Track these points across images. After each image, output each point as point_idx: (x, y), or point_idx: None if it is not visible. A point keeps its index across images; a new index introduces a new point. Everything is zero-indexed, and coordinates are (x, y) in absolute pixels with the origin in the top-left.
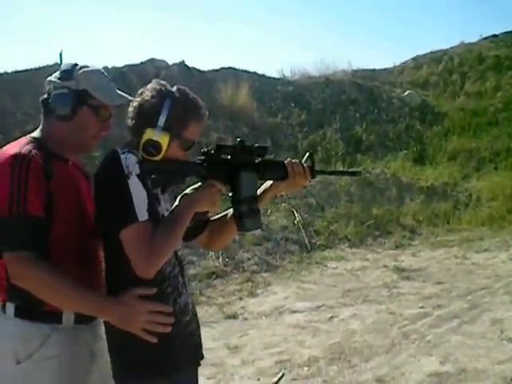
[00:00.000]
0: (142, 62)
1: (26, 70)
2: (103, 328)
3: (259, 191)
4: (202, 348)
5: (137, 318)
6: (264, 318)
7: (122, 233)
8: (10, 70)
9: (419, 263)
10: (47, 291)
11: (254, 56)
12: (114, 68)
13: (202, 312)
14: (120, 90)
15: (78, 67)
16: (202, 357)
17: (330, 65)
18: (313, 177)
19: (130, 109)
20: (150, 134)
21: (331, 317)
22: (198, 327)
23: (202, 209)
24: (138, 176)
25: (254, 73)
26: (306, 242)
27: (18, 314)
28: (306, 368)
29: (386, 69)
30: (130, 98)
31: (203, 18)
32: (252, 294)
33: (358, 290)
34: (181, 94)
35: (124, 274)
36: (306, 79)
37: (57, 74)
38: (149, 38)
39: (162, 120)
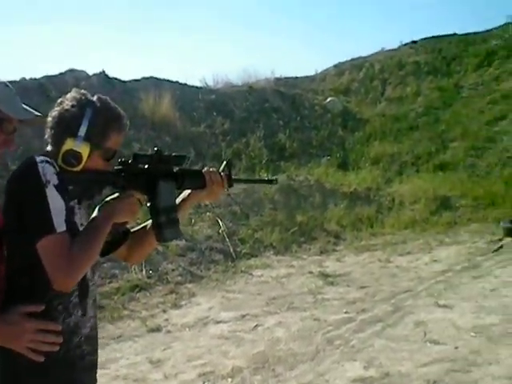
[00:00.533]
0: (61, 73)
1: None
2: None
3: (178, 200)
4: (95, 373)
5: (22, 336)
6: (188, 329)
7: (39, 244)
8: None
9: (344, 268)
10: None
11: (177, 64)
12: (32, 79)
13: (124, 326)
14: (26, 104)
15: None
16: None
17: (253, 73)
18: (230, 185)
19: (49, 119)
20: (70, 144)
21: (256, 325)
22: (95, 352)
23: (121, 219)
24: (56, 186)
25: (176, 82)
26: (231, 250)
27: None
28: (229, 379)
29: (308, 76)
30: (36, 113)
31: (124, 27)
32: (176, 306)
33: (283, 298)
34: (102, 104)
35: (22, 287)
36: (229, 88)
37: None
38: (68, 48)
39: (82, 130)
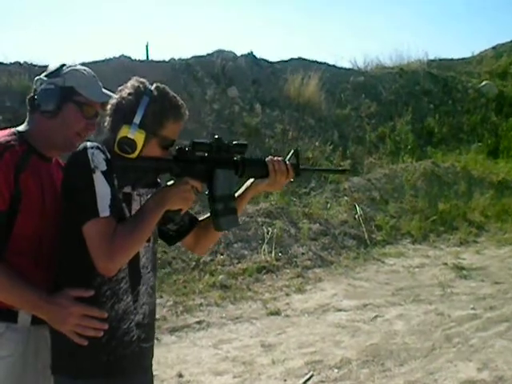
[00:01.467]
0: (208, 54)
1: (94, 62)
2: None
3: (241, 190)
4: (147, 361)
5: (68, 319)
6: (306, 315)
7: (84, 228)
8: (77, 62)
9: (481, 261)
10: None
11: (327, 46)
12: (181, 59)
13: (245, 307)
14: (106, 89)
15: (65, 66)
16: (146, 369)
17: (405, 54)
18: (297, 174)
19: (108, 106)
20: (125, 131)
21: (375, 316)
22: (149, 339)
23: (173, 206)
24: (104, 172)
25: (325, 63)
26: (366, 237)
27: None
28: (336, 370)
29: (463, 58)
30: (113, 95)
31: (274, 8)
32: (300, 290)
33: (411, 289)
34: (159, 93)
35: (74, 269)
36: (379, 69)
37: (45, 72)
38: (217, 30)
39: (137, 118)
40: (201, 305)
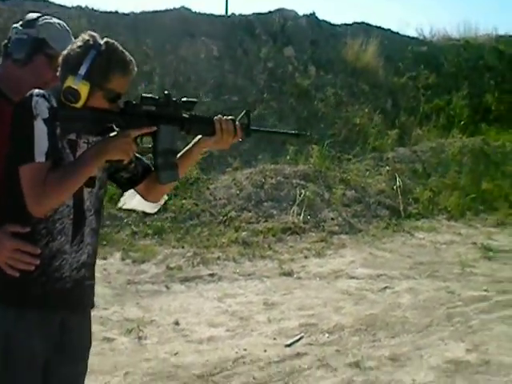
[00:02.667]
0: (269, 11)
1: (154, 12)
2: None
3: (188, 146)
4: (78, 300)
5: (1, 252)
6: (318, 279)
7: (20, 170)
8: (138, 11)
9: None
10: None
11: (392, 11)
12: (241, 15)
13: (260, 265)
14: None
15: (41, 18)
16: (79, 308)
17: (473, 27)
18: (247, 135)
19: (60, 57)
20: (70, 82)
21: (385, 287)
22: (82, 279)
23: (112, 157)
24: (45, 120)
25: (388, 30)
26: (401, 208)
27: None
28: (327, 335)
29: None
30: None
31: None
32: (319, 255)
33: (430, 264)
34: (107, 47)
35: (12, 207)
36: (444, 41)
37: (21, 21)
38: None
39: (83, 69)
40: (218, 258)
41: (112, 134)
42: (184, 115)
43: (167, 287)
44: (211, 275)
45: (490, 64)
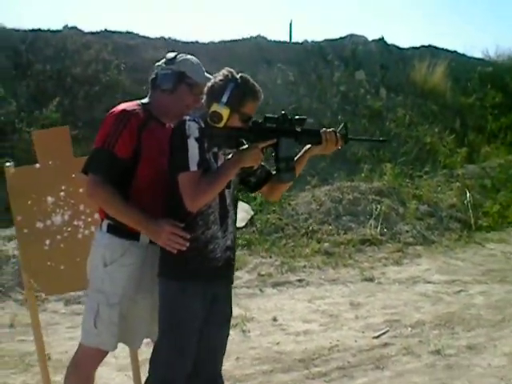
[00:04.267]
0: (341, 37)
1: (232, 41)
2: None
3: (300, 153)
4: (226, 275)
5: (161, 235)
6: (397, 284)
7: (179, 176)
8: (216, 40)
9: None
10: (108, 207)
11: (459, 35)
12: (314, 42)
13: (343, 272)
14: (208, 72)
15: (179, 55)
16: (227, 281)
17: None
18: (346, 142)
19: (205, 88)
20: (215, 107)
21: (460, 290)
22: (229, 258)
23: (246, 164)
24: (196, 138)
25: (454, 52)
26: (472, 222)
27: (109, 230)
28: (409, 328)
29: None
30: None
31: None
32: (397, 263)
33: (501, 271)
34: (242, 80)
35: (175, 205)
36: (509, 61)
37: (163, 60)
38: (350, 14)
39: (224, 97)
40: (304, 266)
41: (244, 147)
42: (297, 129)
43: (261, 290)
44: (299, 281)
45: None
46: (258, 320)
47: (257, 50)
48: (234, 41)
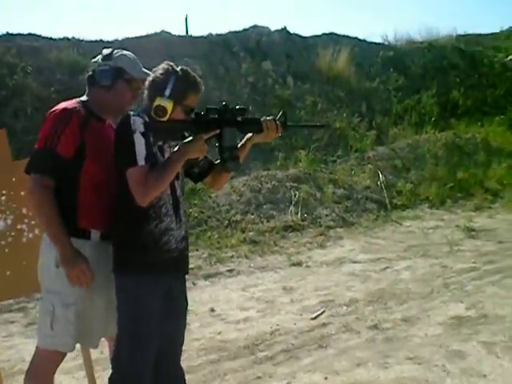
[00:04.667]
0: (244, 29)
1: (137, 37)
2: None
3: (242, 141)
4: (182, 265)
5: (74, 269)
6: (325, 266)
7: (127, 172)
8: (121, 38)
9: (491, 224)
10: (40, 211)
11: (357, 19)
12: (218, 35)
13: (271, 259)
14: (145, 67)
15: (115, 51)
16: (183, 272)
17: (434, 30)
18: (285, 129)
19: (146, 83)
20: (158, 101)
21: (386, 267)
22: (184, 249)
23: (191, 156)
24: (142, 133)
25: (355, 38)
26: (387, 201)
27: None
28: (345, 307)
29: (492, 34)
30: (150, 73)
31: None
32: (321, 246)
33: (422, 246)
34: (183, 73)
35: (126, 201)
36: (409, 44)
37: (100, 56)
38: (252, 4)
39: (167, 91)
40: (232, 257)
41: (189, 139)
42: (238, 119)
43: (193, 283)
44: (229, 271)
45: (453, 62)
46: (196, 312)
47: (162, 45)
48: (138, 37)
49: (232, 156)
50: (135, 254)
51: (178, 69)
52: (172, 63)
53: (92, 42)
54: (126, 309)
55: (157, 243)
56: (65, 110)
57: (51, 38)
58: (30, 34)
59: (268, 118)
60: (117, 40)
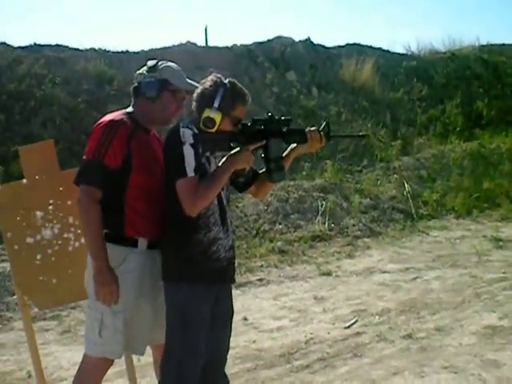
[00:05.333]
0: (268, 40)
1: (163, 48)
2: None
3: (286, 151)
4: (230, 274)
5: (104, 287)
6: (355, 276)
7: (177, 183)
8: (147, 48)
9: None
10: (84, 221)
11: (381, 31)
12: (243, 45)
13: (300, 269)
14: (189, 78)
15: (160, 63)
16: (230, 281)
17: (457, 40)
18: (328, 140)
19: (195, 94)
20: (207, 113)
21: (416, 277)
22: (231, 258)
23: (239, 167)
24: (191, 144)
25: (379, 48)
26: (413, 211)
27: (107, 238)
28: (377, 317)
29: None
30: (197, 85)
31: None
32: (350, 256)
33: (450, 256)
34: (231, 85)
35: (175, 211)
36: (432, 54)
37: (145, 68)
38: (275, 16)
39: (216, 103)
40: (261, 266)
41: (236, 150)
42: (284, 130)
43: None
44: (260, 280)
45: (476, 72)
46: None
47: (187, 56)
48: (164, 48)
49: (278, 167)
50: (186, 263)
51: (226, 81)
52: (220, 75)
53: (118, 52)
54: (177, 316)
55: (206, 252)
56: (112, 121)
57: (78, 49)
58: (57, 45)
59: (312, 129)
60: (143, 51)
